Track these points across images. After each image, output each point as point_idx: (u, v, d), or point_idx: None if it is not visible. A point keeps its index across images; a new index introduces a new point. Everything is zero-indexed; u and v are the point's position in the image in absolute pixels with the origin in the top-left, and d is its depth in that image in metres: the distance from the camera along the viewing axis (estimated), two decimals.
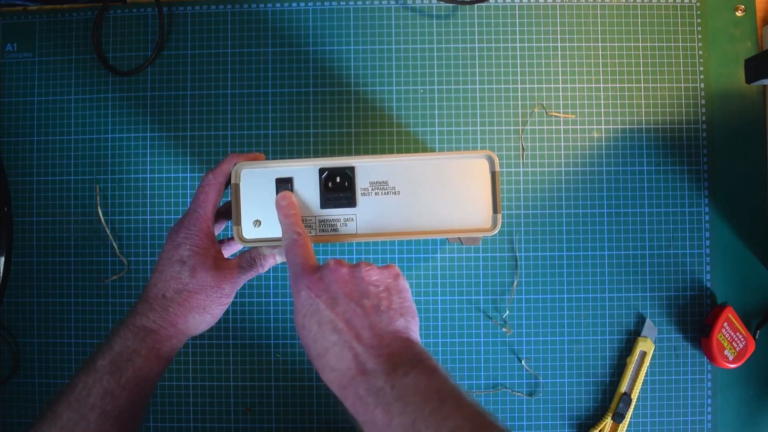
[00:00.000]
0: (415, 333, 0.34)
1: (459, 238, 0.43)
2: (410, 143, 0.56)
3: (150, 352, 0.38)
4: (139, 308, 0.39)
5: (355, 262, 0.36)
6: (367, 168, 0.40)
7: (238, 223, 0.41)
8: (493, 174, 0.40)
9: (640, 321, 0.55)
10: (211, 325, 0.41)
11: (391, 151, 0.56)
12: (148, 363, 0.37)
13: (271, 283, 0.56)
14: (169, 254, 0.39)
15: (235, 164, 0.41)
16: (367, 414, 0.30)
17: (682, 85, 0.57)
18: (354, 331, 0.32)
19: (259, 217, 0.41)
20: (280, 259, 0.43)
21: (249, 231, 0.41)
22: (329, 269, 0.35)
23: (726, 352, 0.53)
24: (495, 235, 0.41)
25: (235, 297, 0.56)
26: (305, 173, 0.40)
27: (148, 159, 0.57)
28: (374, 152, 0.56)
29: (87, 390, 0.36)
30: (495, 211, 0.40)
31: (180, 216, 0.41)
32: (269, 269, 0.56)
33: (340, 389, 0.31)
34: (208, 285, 0.39)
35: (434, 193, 0.40)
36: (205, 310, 0.39)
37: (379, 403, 0.29)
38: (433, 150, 0.56)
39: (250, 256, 0.41)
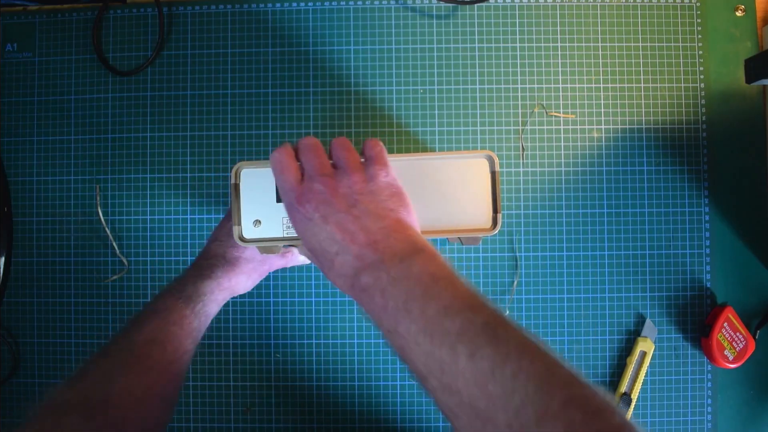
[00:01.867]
0: (410, 220, 0.36)
1: (459, 238, 0.43)
2: (410, 143, 0.56)
3: (213, 296, 0.45)
4: (207, 263, 0.46)
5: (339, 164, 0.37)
6: None
7: (239, 223, 0.41)
8: (494, 174, 0.40)
9: (640, 321, 0.55)
10: (248, 290, 0.49)
11: (391, 152, 0.56)
12: (213, 305, 0.45)
13: (271, 283, 0.56)
14: (228, 230, 0.48)
15: (236, 164, 0.41)
16: (370, 303, 0.32)
17: (682, 85, 0.57)
18: (350, 236, 0.34)
19: (259, 216, 0.41)
20: (302, 259, 0.52)
21: (249, 231, 0.41)
22: (312, 191, 0.36)
23: (726, 352, 0.53)
24: (495, 235, 0.41)
25: (236, 297, 0.56)
26: None
27: (148, 159, 0.57)
28: None
29: (168, 320, 0.42)
30: (495, 210, 0.40)
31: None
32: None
33: (351, 291, 0.34)
34: (256, 259, 0.48)
35: (434, 193, 0.40)
36: (248, 276, 0.48)
37: (377, 289, 0.31)
38: (433, 150, 0.56)
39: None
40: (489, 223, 0.40)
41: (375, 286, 0.32)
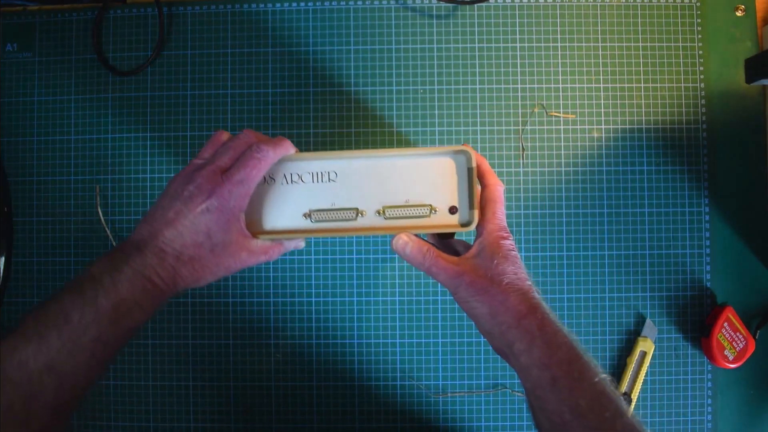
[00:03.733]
0: None
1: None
2: (410, 143, 0.56)
3: (150, 307, 0.36)
4: (150, 260, 0.36)
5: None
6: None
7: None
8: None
9: (640, 321, 0.55)
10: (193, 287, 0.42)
11: None
12: (143, 317, 0.36)
13: (271, 283, 0.56)
14: (195, 219, 0.37)
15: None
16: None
17: (682, 85, 0.57)
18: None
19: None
20: (291, 246, 0.43)
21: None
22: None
23: (726, 352, 0.53)
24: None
25: (236, 297, 0.56)
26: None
27: (148, 159, 0.57)
28: None
29: (83, 328, 0.33)
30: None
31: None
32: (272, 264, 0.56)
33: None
34: (224, 266, 0.39)
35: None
36: (206, 280, 0.39)
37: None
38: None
39: (271, 245, 0.41)
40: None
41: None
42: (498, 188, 0.40)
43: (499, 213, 0.40)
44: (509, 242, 0.39)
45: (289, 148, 0.40)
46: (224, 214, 0.37)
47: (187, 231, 0.37)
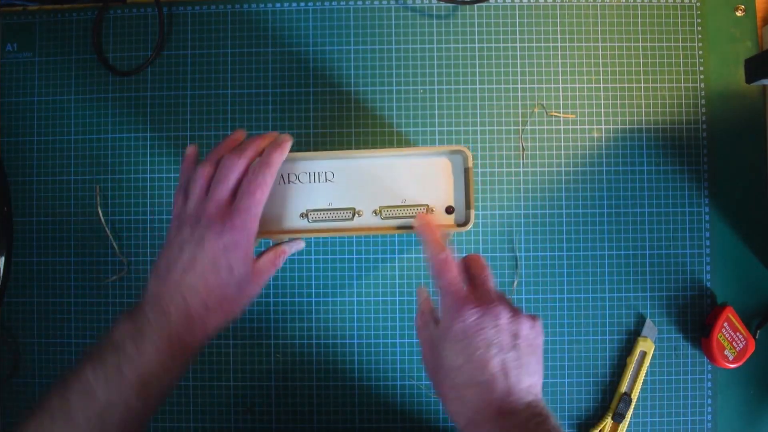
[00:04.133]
0: (538, 394, 0.35)
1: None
2: (410, 143, 0.56)
3: (179, 370, 0.35)
4: (176, 318, 0.34)
5: (508, 307, 0.36)
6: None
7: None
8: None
9: (640, 321, 0.55)
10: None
11: None
12: (173, 381, 0.35)
13: (271, 283, 0.56)
14: (214, 258, 0.35)
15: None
16: None
17: (682, 85, 0.57)
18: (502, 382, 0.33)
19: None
20: (293, 250, 0.43)
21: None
22: (492, 314, 0.34)
23: (726, 352, 0.53)
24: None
25: None
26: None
27: (148, 159, 0.57)
28: None
29: (110, 404, 0.32)
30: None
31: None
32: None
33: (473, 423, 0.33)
34: (248, 295, 0.38)
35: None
36: (235, 314, 0.38)
37: None
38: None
39: (275, 255, 0.41)
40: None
41: None
42: (435, 258, 0.36)
43: (446, 286, 0.36)
44: (469, 322, 0.34)
45: (283, 153, 0.38)
46: (242, 245, 0.36)
47: (209, 272, 0.35)
